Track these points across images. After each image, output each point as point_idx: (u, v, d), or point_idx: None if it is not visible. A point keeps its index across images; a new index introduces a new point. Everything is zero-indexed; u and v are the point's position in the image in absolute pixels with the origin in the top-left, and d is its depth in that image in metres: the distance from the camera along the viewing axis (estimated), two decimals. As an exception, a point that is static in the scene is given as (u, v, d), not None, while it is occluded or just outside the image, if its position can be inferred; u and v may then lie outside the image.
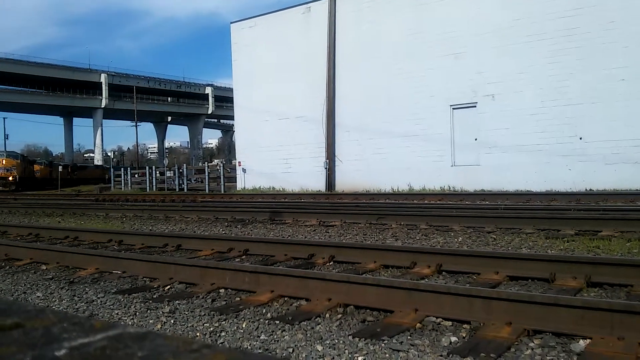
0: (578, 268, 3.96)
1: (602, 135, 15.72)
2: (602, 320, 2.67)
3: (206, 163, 34.06)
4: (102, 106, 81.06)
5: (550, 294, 3.29)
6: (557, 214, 7.75)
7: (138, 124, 59.46)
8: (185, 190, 28.78)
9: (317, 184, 21.45)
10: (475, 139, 17.96)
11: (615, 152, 15.52)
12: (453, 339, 2.79)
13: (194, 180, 31.42)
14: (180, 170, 30.87)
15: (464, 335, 2.86)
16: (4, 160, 40.69)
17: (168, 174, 33.40)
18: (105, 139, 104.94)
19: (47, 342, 0.65)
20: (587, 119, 15.98)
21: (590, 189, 15.19)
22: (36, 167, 47.08)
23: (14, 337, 0.67)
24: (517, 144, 16.99)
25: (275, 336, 2.97)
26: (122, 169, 42.89)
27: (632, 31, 15.32)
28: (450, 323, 3.05)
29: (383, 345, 2.73)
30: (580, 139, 16.10)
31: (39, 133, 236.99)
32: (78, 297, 4.20)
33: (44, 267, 5.61)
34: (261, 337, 2.97)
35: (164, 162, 57.45)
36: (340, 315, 3.33)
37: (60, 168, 42.27)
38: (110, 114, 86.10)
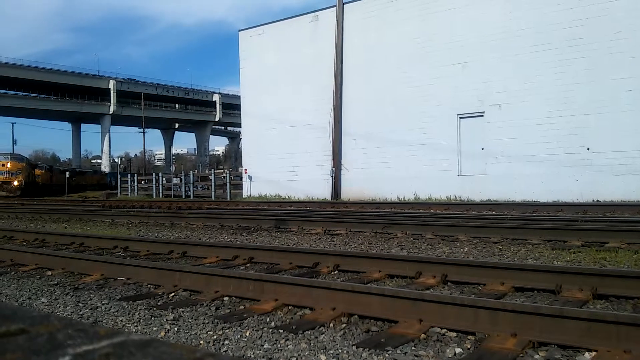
0: (584, 280, 3.94)
1: (609, 145, 15.65)
2: (608, 332, 2.65)
3: (212, 170, 34.09)
4: (110, 112, 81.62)
5: (556, 306, 3.26)
6: (563, 225, 7.71)
7: (146, 130, 59.79)
8: (192, 197, 28.86)
9: (323, 192, 21.44)
10: (482, 149, 17.93)
11: (623, 162, 15.44)
12: (457, 350, 2.77)
13: (200, 187, 31.48)
14: (187, 177, 30.96)
15: (469, 346, 2.84)
16: (8, 164, 37.87)
17: (174, 180, 33.49)
18: (112, 145, 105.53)
19: (51, 349, 0.66)
20: (594, 130, 15.92)
21: (597, 200, 15.10)
22: (37, 171, 43.68)
23: (18, 342, 0.68)
24: (524, 154, 16.94)
25: (279, 345, 2.97)
26: (129, 175, 42.69)
27: (639, 41, 15.29)
28: (455, 334, 3.03)
29: (387, 355, 2.72)
30: (588, 149, 16.03)
31: (47, 138, 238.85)
32: (83, 303, 4.21)
33: (49, 272, 5.63)
34: (265, 346, 2.96)
35: (171, 168, 57.61)
36: (344, 325, 3.31)
37: (60, 174, 41.13)
38: (118, 120, 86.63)
